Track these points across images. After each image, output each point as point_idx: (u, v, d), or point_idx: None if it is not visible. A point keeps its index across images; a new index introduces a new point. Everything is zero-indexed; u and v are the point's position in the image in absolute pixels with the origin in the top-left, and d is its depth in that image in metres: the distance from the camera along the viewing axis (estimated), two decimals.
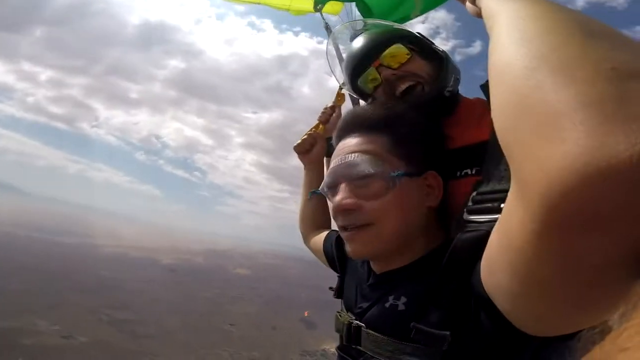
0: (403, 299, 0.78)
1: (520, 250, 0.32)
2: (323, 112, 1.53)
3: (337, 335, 0.96)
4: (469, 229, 0.62)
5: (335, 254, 1.19)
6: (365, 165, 0.82)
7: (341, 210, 0.83)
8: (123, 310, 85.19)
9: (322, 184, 0.93)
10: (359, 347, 0.85)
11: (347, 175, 0.84)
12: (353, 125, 0.92)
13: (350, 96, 1.44)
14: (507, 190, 0.54)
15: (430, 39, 1.18)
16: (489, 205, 0.62)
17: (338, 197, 0.84)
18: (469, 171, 0.96)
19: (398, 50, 1.12)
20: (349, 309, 0.98)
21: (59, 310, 76.22)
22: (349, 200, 0.82)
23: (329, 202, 0.94)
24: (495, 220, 0.54)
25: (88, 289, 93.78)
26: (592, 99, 0.27)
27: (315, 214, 1.51)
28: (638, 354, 0.18)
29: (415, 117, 0.94)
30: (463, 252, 0.61)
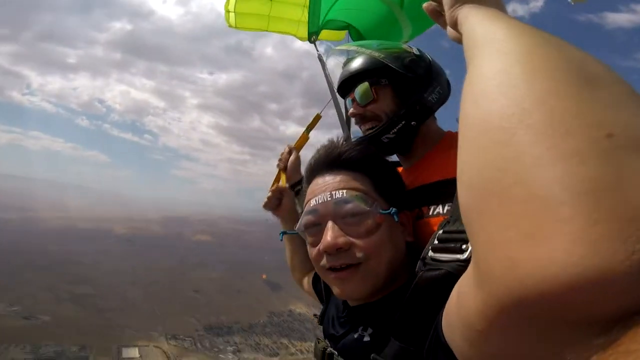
0: (369, 331, 0.83)
1: (477, 329, 0.28)
2: (280, 159, 1.57)
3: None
4: (431, 267, 0.63)
5: (322, 286, 1.21)
6: (357, 203, 0.82)
7: (332, 249, 0.81)
8: (81, 285, 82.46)
9: (298, 223, 0.92)
10: None
11: (336, 213, 0.83)
12: (330, 163, 0.91)
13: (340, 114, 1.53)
14: None
15: (416, 59, 1.15)
16: (452, 245, 0.61)
17: (329, 237, 0.81)
18: (440, 210, 0.97)
19: (365, 90, 1.17)
20: (326, 336, 1.02)
21: (13, 290, 72.46)
22: (342, 239, 0.80)
23: (308, 243, 0.92)
24: (456, 261, 0.59)
25: (40, 266, 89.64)
26: (582, 185, 0.21)
27: (305, 262, 1.49)
28: None
29: (389, 163, 0.98)
30: (424, 290, 0.62)
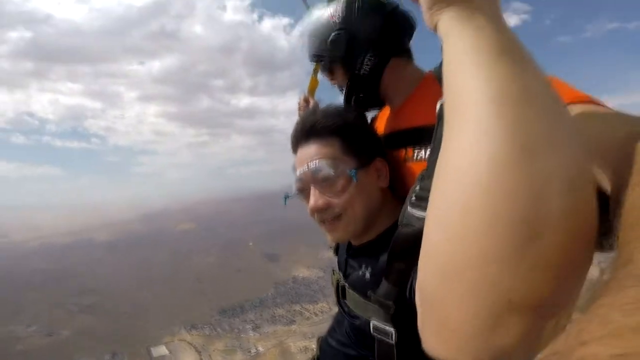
0: (370, 270, 1.00)
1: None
2: (299, 108, 1.55)
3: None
4: (408, 223, 0.72)
5: None
6: (327, 169, 0.97)
7: (315, 210, 1.00)
8: (86, 296, 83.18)
9: (294, 189, 1.09)
10: (345, 301, 1.09)
11: (314, 180, 0.99)
12: (307, 133, 1.04)
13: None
14: None
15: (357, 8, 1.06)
16: (424, 204, 0.67)
17: (311, 201, 1.00)
18: (423, 154, 1.01)
19: (317, 71, 1.25)
20: (340, 269, 1.20)
21: (23, 312, 72.94)
22: (320, 202, 0.98)
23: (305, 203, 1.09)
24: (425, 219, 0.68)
25: (37, 285, 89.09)
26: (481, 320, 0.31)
27: None
28: (597, 347, 0.19)
29: (358, 120, 1.11)
30: (402, 245, 0.75)
